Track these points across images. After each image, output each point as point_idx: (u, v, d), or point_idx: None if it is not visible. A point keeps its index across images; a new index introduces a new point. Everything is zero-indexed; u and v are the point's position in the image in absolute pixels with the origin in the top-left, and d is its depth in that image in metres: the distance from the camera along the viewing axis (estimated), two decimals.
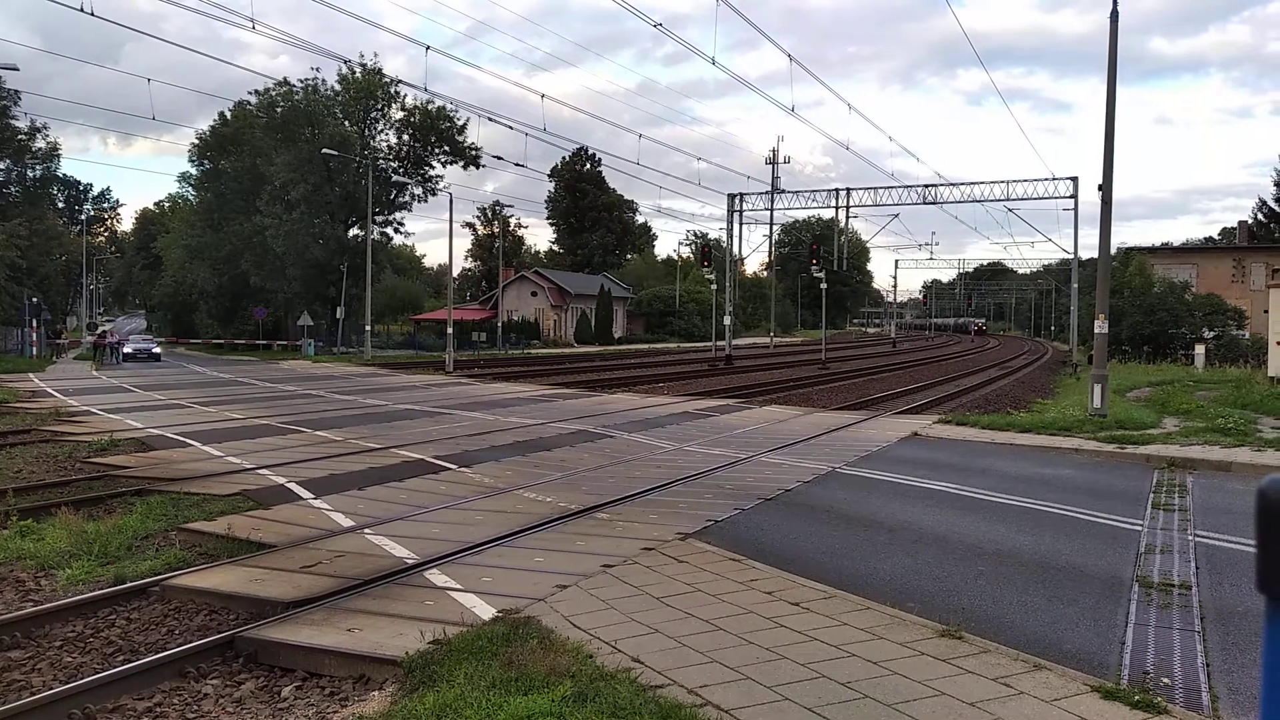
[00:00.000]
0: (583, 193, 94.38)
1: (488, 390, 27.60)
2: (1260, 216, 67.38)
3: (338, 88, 56.51)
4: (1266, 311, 27.41)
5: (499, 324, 63.45)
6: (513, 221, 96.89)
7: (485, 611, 6.14)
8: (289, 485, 11.01)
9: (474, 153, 58.05)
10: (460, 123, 57.92)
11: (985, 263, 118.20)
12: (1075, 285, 43.07)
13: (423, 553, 7.64)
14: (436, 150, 59.92)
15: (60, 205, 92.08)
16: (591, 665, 5.09)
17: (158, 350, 50.97)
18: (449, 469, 12.32)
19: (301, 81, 56.05)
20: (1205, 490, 11.35)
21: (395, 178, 59.04)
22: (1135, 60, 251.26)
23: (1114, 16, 18.54)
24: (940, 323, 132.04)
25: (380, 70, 56.17)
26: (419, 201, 62.19)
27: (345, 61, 53.97)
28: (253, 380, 32.08)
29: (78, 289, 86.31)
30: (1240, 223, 69.64)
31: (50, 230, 63.31)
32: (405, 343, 62.39)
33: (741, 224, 48.21)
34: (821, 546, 8.46)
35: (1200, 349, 36.88)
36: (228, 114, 61.54)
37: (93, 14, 19.41)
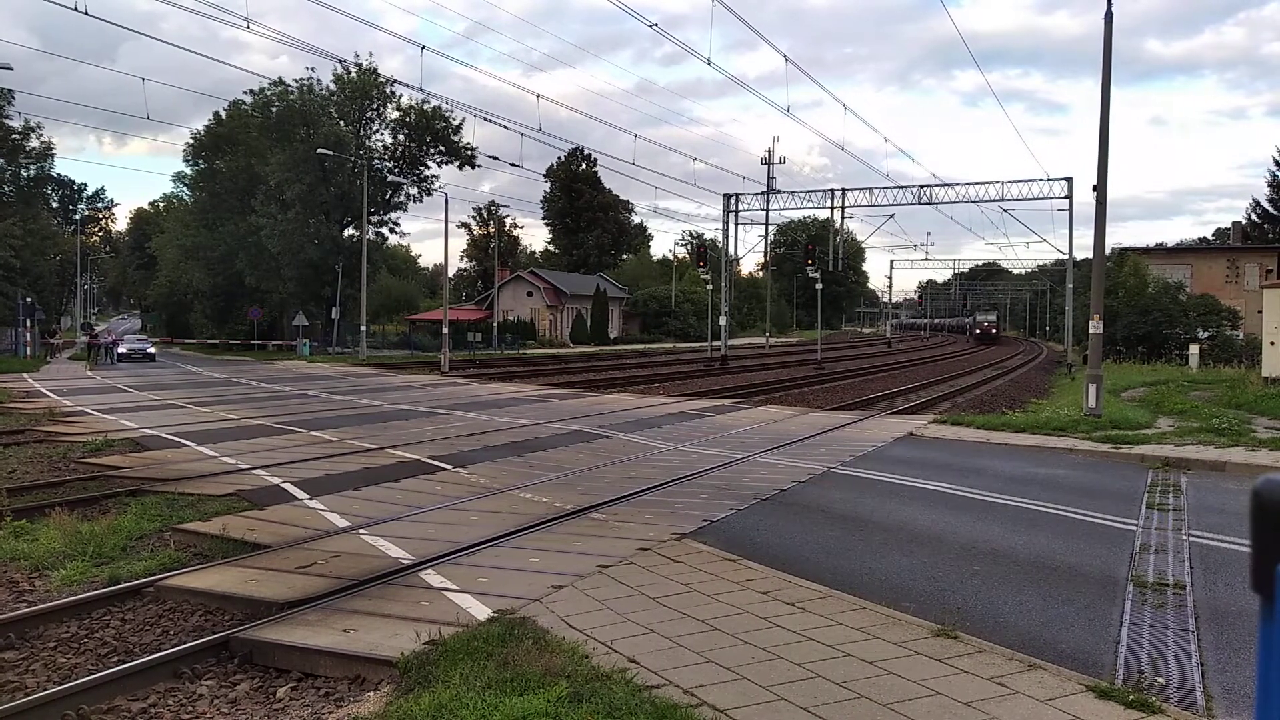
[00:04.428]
0: (579, 193, 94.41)
1: (483, 390, 27.57)
2: (1254, 217, 67.72)
3: (333, 87, 56.46)
4: (1261, 312, 27.46)
5: (495, 324, 63.42)
6: (508, 221, 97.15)
7: (481, 612, 6.13)
8: (284, 485, 10.98)
9: (470, 153, 58.06)
10: (456, 123, 57.96)
11: (980, 263, 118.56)
12: (1070, 285, 43.11)
13: (418, 553, 7.63)
14: (432, 150, 59.87)
15: (55, 205, 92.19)
16: (587, 665, 5.08)
17: (152, 350, 50.81)
18: (444, 469, 12.30)
19: (297, 81, 56.04)
20: (1199, 490, 11.37)
21: (391, 178, 59.00)
22: (1130, 61, 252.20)
23: (1109, 18, 18.59)
24: (937, 322, 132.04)
25: (375, 70, 56.20)
26: (414, 201, 62.25)
27: (341, 61, 53.95)
28: (248, 380, 32.01)
29: (72, 289, 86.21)
30: (1234, 223, 70.04)
31: (44, 230, 63.19)
32: (401, 343, 62.27)
33: (737, 224, 48.32)
34: (817, 546, 8.47)
35: (1195, 349, 36.99)
36: (223, 114, 61.55)
37: (86, 13, 19.33)
